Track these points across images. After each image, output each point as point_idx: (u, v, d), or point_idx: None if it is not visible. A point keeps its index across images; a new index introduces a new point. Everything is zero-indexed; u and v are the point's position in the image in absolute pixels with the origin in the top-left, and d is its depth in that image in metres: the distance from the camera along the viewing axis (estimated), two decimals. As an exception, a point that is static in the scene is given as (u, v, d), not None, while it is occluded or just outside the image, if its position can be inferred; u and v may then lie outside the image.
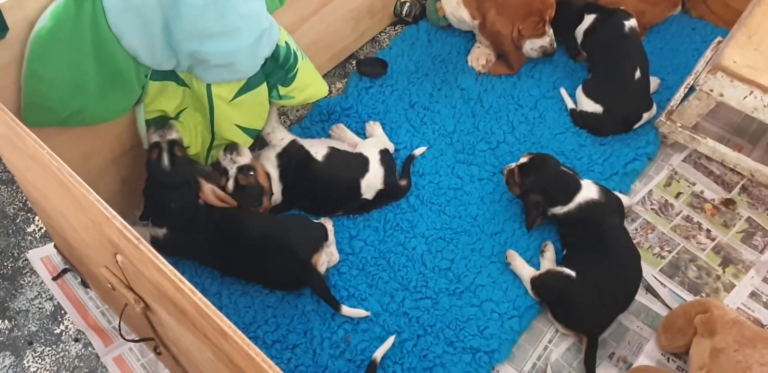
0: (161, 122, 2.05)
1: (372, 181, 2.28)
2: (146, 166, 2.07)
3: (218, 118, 2.09)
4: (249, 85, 2.04)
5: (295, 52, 2.08)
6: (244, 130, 2.17)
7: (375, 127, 2.51)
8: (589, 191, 2.22)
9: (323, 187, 2.27)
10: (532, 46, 2.69)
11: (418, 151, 2.47)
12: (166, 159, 2.04)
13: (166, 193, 2.06)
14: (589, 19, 2.69)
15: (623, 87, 2.53)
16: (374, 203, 2.33)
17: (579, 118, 2.59)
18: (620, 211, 2.27)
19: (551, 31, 2.67)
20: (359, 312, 2.09)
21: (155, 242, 2.11)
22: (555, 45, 2.69)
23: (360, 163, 2.29)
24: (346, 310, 2.08)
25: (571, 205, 2.21)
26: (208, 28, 1.80)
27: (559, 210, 2.24)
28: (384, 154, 2.34)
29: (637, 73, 2.50)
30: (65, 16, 1.61)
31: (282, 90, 2.14)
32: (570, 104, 2.63)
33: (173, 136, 2.05)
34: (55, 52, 1.64)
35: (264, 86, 2.08)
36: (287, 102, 2.19)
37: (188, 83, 2.00)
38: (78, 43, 1.68)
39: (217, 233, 2.09)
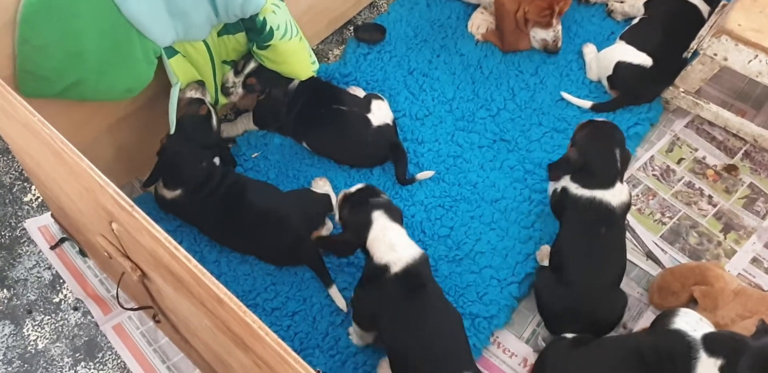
0: (200, 80, 2.11)
1: (383, 106, 2.36)
2: (184, 120, 2.06)
3: (216, 61, 2.15)
4: (227, 30, 2.08)
5: (272, 30, 2.04)
6: (228, 63, 2.24)
7: (356, 91, 2.50)
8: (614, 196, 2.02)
9: (336, 102, 2.32)
10: (534, 35, 2.60)
11: (421, 175, 2.35)
12: (215, 118, 2.11)
13: (201, 152, 2.09)
14: None
15: (677, 46, 2.47)
16: (377, 148, 2.31)
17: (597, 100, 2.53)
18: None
19: (560, 27, 2.58)
20: (340, 300, 2.08)
21: (159, 201, 2.15)
22: (560, 44, 2.60)
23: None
24: (333, 291, 2.08)
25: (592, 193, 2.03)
26: None
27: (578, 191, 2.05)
28: None
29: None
30: None
31: (255, 49, 2.15)
32: (586, 104, 2.51)
33: (208, 97, 2.12)
34: (46, 19, 1.62)
35: (243, 35, 2.12)
36: (259, 60, 2.22)
37: (184, 52, 2.03)
38: (73, 11, 1.65)
39: (224, 198, 2.09)
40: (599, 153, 2.05)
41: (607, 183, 2.02)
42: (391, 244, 1.82)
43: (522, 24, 2.55)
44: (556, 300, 2.03)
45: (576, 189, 2.05)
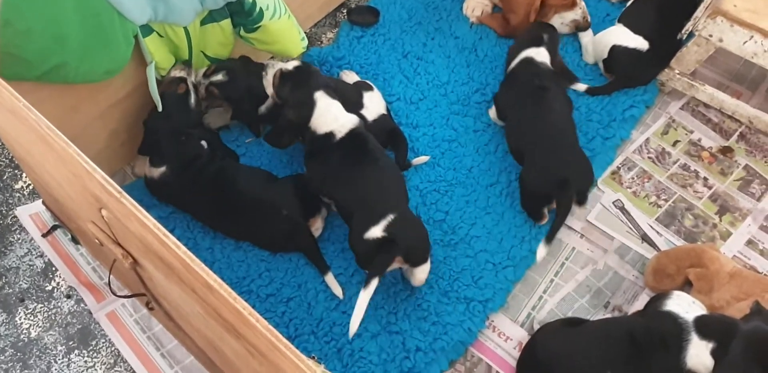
0: (188, 61, 2.15)
1: (375, 97, 2.31)
2: (164, 98, 2.07)
3: (195, 50, 2.14)
4: (212, 17, 2.08)
5: (262, 11, 2.03)
6: (210, 59, 2.23)
7: (350, 75, 2.46)
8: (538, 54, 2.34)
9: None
10: (562, 21, 2.56)
11: (417, 160, 2.33)
12: (193, 97, 2.13)
13: (181, 127, 2.09)
14: None
15: (673, 28, 2.44)
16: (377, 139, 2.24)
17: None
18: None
19: (583, 3, 2.54)
20: (336, 288, 2.06)
21: (149, 184, 2.15)
22: (588, 18, 2.56)
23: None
24: (329, 278, 2.07)
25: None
26: None
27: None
28: None
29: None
30: None
31: (243, 33, 2.15)
32: (581, 88, 2.48)
33: (193, 78, 2.14)
34: (30, 2, 1.59)
35: (228, 21, 2.11)
36: (248, 44, 2.21)
37: (163, 33, 2.01)
38: None
39: (213, 182, 2.08)
40: (528, 30, 2.44)
41: (532, 43, 2.35)
42: (335, 116, 2.05)
43: (537, 14, 2.51)
44: (533, 171, 2.17)
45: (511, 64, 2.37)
